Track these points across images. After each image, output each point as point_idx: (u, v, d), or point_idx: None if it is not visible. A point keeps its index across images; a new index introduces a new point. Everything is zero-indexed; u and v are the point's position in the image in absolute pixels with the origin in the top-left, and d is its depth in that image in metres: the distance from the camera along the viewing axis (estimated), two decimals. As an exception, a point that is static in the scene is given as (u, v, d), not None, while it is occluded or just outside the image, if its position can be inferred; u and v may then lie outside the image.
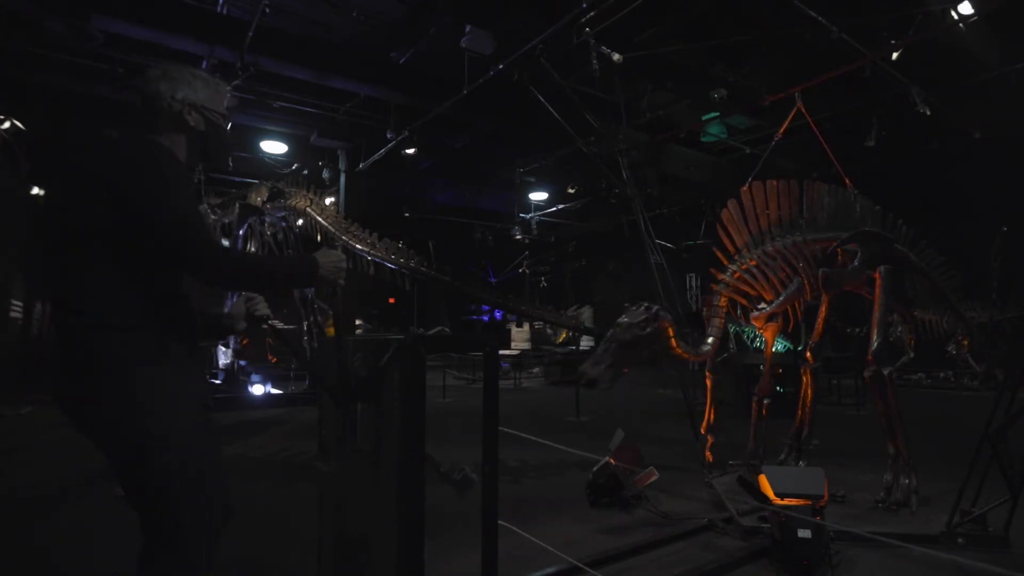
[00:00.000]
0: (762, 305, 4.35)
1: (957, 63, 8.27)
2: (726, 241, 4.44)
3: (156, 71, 1.81)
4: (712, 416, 4.66)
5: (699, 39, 8.10)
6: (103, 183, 1.62)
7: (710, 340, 4.16)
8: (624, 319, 3.74)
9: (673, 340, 3.87)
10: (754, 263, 4.31)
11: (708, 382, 4.70)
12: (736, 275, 4.32)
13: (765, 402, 4.53)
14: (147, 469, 1.62)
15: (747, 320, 4.44)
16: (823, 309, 4.82)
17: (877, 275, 4.28)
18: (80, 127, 9.69)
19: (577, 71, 6.95)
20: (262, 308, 2.03)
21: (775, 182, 4.47)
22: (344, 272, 1.89)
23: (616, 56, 6.38)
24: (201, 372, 1.81)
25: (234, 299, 8.77)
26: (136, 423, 1.59)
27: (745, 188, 4.45)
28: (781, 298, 4.26)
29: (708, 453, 4.71)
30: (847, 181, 5.20)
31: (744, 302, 4.37)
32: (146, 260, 1.65)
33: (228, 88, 2.00)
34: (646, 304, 3.84)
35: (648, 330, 3.70)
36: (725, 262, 4.41)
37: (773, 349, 5.04)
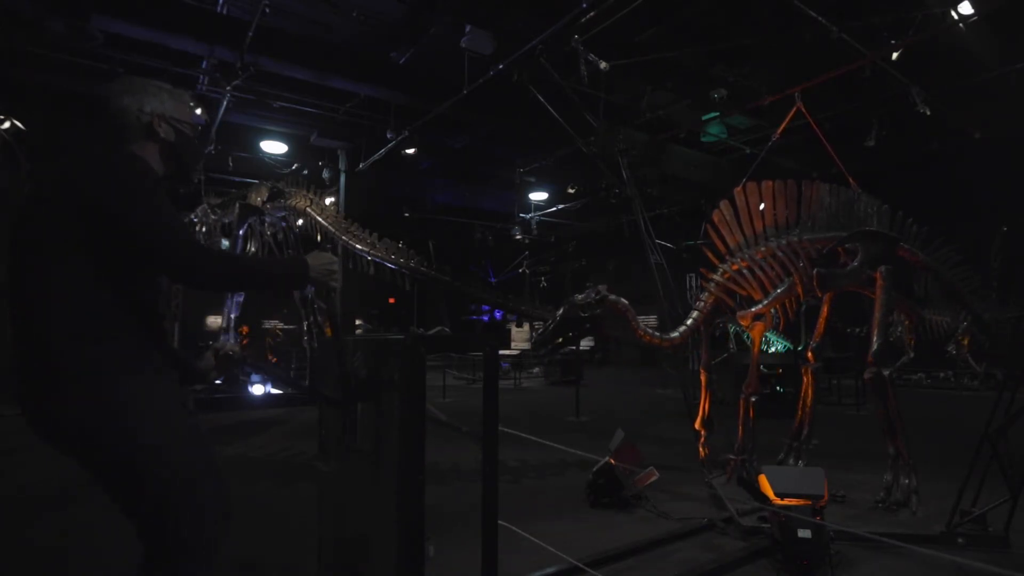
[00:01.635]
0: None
1: (957, 63, 8.27)
2: (717, 242, 4.43)
3: (117, 86, 1.80)
4: (706, 412, 4.66)
5: (699, 39, 8.11)
6: (76, 195, 1.60)
7: (680, 329, 4.22)
8: (576, 297, 4.01)
9: (633, 323, 4.03)
10: (745, 264, 4.30)
11: (702, 379, 4.72)
12: (726, 275, 4.32)
13: (752, 399, 4.53)
14: (143, 481, 1.59)
15: (735, 318, 4.46)
16: (825, 309, 4.81)
17: (878, 275, 4.21)
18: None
19: (577, 71, 6.97)
20: (231, 348, 2.09)
21: (770, 183, 4.44)
22: (335, 274, 1.87)
23: (603, 64, 6.45)
24: (176, 376, 1.81)
25: (233, 301, 8.66)
26: (125, 436, 1.57)
27: (738, 189, 4.43)
28: (769, 298, 4.25)
29: (702, 449, 4.71)
30: (852, 181, 5.16)
31: (732, 303, 4.36)
32: (119, 269, 1.62)
33: (192, 99, 2.00)
34: (596, 286, 4.04)
35: (597, 310, 3.92)
36: (716, 262, 4.40)
37: (774, 349, 5.04)
